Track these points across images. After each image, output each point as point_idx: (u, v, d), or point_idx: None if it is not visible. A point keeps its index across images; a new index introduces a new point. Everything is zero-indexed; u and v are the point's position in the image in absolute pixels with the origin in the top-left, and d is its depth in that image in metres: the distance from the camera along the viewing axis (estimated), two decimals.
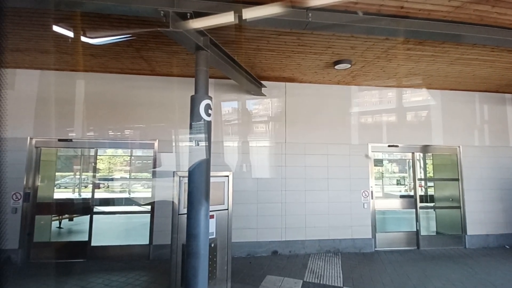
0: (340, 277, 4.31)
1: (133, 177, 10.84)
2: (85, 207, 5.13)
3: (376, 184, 5.88)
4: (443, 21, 3.16)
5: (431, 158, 7.16)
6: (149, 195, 5.19)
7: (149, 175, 5.53)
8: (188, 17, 2.79)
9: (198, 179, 2.98)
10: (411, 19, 3.10)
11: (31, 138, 4.94)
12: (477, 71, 4.93)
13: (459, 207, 6.00)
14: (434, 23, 3.15)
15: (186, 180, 3.19)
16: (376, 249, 5.61)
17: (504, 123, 6.28)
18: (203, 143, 3.03)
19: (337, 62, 4.53)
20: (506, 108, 6.31)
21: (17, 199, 4.74)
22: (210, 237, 3.22)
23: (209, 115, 3.10)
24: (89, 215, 5.03)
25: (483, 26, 3.26)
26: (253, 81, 5.02)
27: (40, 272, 4.37)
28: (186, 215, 3.02)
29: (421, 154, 7.19)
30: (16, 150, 4.80)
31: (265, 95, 5.49)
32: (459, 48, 4.03)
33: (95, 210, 5.09)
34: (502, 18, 3.13)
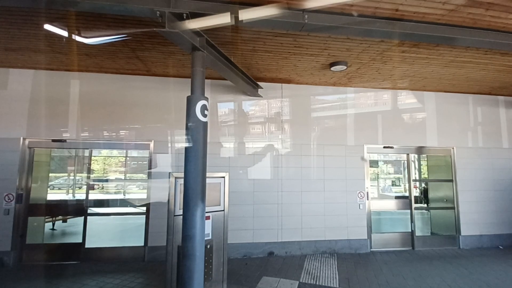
0: (336, 278, 4.33)
1: (128, 178, 10.75)
2: (79, 209, 5.07)
3: (371, 185, 5.91)
4: (438, 24, 3.20)
5: (426, 159, 7.22)
6: (144, 196, 5.15)
7: (144, 176, 5.48)
8: (184, 17, 2.78)
9: (194, 180, 2.96)
10: (405, 22, 3.13)
11: (24, 139, 4.87)
12: (470, 73, 4.99)
13: (453, 208, 6.06)
14: (429, 26, 3.19)
15: (181, 181, 3.17)
16: (371, 249, 5.64)
17: (497, 125, 6.36)
18: (199, 144, 3.02)
19: (333, 64, 4.56)
20: (499, 110, 6.40)
21: (9, 201, 4.68)
22: (206, 238, 3.21)
23: (205, 116, 3.09)
24: (83, 217, 4.97)
25: (477, 29, 3.30)
26: (250, 82, 5.03)
27: (33, 275, 4.31)
28: (181, 217, 3.01)
29: (416, 155, 7.25)
30: (8, 150, 4.74)
31: (262, 96, 5.50)
32: (453, 51, 4.08)
33: (89, 211, 5.03)
34: (496, 21, 3.18)
